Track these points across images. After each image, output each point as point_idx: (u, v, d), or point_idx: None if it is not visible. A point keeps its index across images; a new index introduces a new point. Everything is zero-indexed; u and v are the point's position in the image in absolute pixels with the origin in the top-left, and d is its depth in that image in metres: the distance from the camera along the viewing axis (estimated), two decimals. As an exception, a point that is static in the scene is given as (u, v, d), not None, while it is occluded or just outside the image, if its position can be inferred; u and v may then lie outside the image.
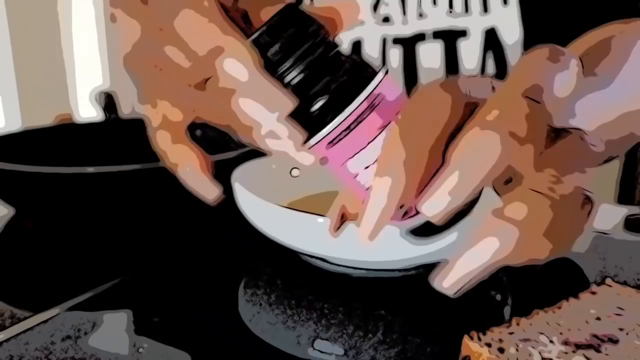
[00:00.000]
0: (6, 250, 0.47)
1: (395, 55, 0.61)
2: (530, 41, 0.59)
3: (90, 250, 0.46)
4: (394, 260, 0.36)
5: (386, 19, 0.61)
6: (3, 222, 0.51)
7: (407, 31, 0.61)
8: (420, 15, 0.60)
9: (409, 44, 0.61)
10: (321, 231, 0.35)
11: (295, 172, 0.51)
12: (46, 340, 0.31)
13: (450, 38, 0.60)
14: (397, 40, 0.61)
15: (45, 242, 0.48)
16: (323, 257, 0.39)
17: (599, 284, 0.33)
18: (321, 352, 0.31)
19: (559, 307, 0.30)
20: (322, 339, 0.32)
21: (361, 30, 0.62)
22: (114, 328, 0.33)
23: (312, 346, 0.31)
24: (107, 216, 0.48)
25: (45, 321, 0.34)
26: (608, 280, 0.33)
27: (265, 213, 0.38)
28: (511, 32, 0.59)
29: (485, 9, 0.59)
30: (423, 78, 0.61)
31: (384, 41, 0.61)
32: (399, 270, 0.40)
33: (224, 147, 0.62)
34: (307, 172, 0.52)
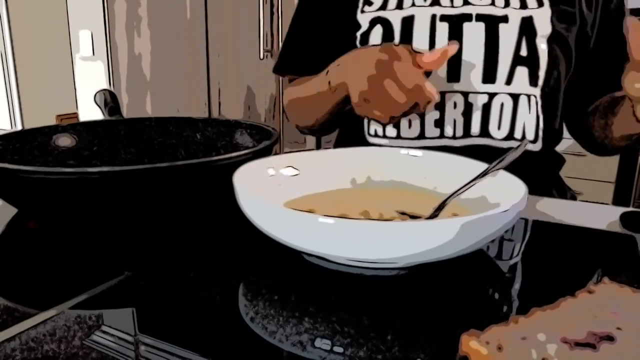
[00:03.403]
0: (10, 249, 0.47)
1: (443, 29, 0.69)
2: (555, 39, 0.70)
3: (93, 250, 0.46)
4: (393, 258, 0.36)
5: (436, 1, 0.71)
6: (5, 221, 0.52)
7: (453, 12, 0.69)
8: (466, 2, 0.69)
9: (455, 23, 0.69)
10: (321, 231, 0.35)
11: (292, 172, 0.51)
12: (49, 338, 0.32)
13: (491, 22, 0.68)
14: (443, 18, 0.70)
15: (48, 241, 0.48)
16: (323, 256, 0.39)
17: (596, 283, 0.33)
18: (321, 350, 0.31)
19: (557, 306, 0.31)
20: (322, 338, 0.32)
21: (413, 9, 0.72)
22: (116, 326, 0.34)
23: (313, 345, 0.31)
24: (109, 216, 0.48)
25: (49, 319, 0.34)
26: (605, 279, 0.33)
27: (266, 213, 0.38)
28: (543, 27, 0.68)
29: (523, 6, 0.68)
30: (465, 52, 0.69)
31: (433, 17, 0.70)
32: (399, 268, 0.40)
33: (223, 148, 0.63)
34: (306, 172, 0.52)
